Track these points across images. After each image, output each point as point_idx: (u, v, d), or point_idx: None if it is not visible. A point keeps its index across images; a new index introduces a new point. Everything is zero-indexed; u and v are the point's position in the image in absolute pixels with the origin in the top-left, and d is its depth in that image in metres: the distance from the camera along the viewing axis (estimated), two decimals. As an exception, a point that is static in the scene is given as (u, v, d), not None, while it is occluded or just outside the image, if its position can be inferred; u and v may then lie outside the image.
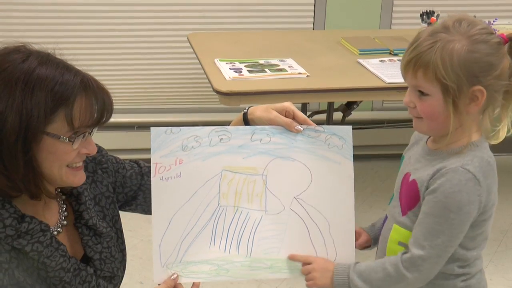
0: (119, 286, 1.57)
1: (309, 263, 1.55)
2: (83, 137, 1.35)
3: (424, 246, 1.47)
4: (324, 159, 1.52)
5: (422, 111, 1.47)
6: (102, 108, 1.36)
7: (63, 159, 1.34)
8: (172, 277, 1.47)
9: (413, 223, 1.53)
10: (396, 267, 1.50)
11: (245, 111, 1.58)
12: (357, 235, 1.67)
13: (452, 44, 1.42)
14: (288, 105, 1.52)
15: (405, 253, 1.51)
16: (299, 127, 1.50)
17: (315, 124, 1.52)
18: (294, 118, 1.52)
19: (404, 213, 1.57)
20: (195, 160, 1.49)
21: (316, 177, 1.52)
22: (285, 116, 1.52)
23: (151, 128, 1.48)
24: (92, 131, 1.38)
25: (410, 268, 1.49)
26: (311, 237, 1.53)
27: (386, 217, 1.66)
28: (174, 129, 1.48)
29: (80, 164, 1.40)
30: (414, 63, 1.44)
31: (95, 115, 1.34)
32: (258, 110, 1.55)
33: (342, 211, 1.54)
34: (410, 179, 1.55)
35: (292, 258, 1.55)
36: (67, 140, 1.31)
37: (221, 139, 1.50)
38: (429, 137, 1.60)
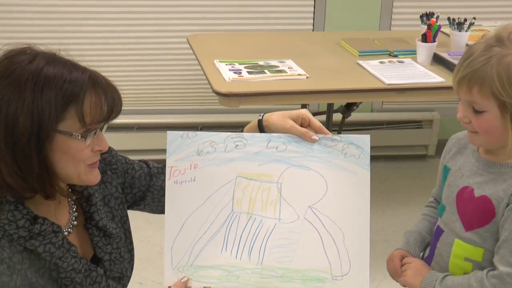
0: (127, 286, 1.58)
1: (409, 262, 1.64)
2: (95, 133, 1.36)
3: None
4: (340, 169, 1.51)
5: (479, 127, 1.45)
6: (112, 103, 1.37)
7: (77, 157, 1.34)
8: (183, 280, 1.47)
9: (483, 239, 1.53)
10: (482, 284, 1.49)
11: (260, 117, 1.57)
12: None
13: (508, 58, 1.39)
14: (304, 112, 1.52)
15: (491, 270, 1.49)
16: (315, 136, 1.49)
17: (330, 133, 1.51)
18: (309, 125, 1.51)
19: (468, 228, 1.55)
20: (210, 165, 1.49)
21: (331, 187, 1.51)
22: (301, 124, 1.51)
23: (168, 132, 1.49)
24: (102, 127, 1.38)
25: (498, 285, 1.47)
26: (325, 248, 1.51)
27: (440, 229, 1.64)
28: (190, 133, 1.49)
29: (96, 160, 1.40)
30: (468, 79, 1.41)
31: (105, 110, 1.35)
32: (273, 116, 1.54)
33: (357, 222, 1.51)
34: (477, 194, 1.53)
35: (393, 260, 1.67)
36: (79, 137, 1.32)
37: (237, 145, 1.50)
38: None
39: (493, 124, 1.43)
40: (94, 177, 1.41)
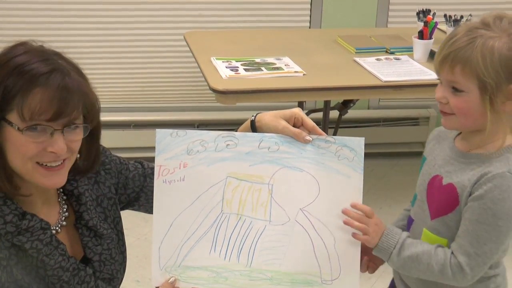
0: (118, 288, 1.57)
1: (366, 216, 1.50)
2: (51, 134, 1.30)
3: (471, 254, 1.46)
4: (333, 172, 1.48)
5: (456, 107, 1.45)
6: (63, 107, 1.29)
7: (21, 151, 1.30)
8: (170, 280, 1.45)
9: (447, 228, 1.52)
10: (444, 268, 1.49)
11: (252, 118, 1.54)
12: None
13: (493, 41, 1.40)
14: (297, 111, 1.48)
15: (452, 256, 1.49)
16: (308, 137, 1.46)
17: (324, 133, 1.48)
18: (302, 125, 1.48)
19: (433, 217, 1.55)
20: (200, 165, 1.47)
21: (323, 189, 1.48)
22: (294, 123, 1.48)
23: (156, 130, 1.47)
24: (63, 130, 1.31)
25: (457, 274, 1.48)
26: (315, 251, 1.48)
27: (411, 219, 1.64)
28: (180, 132, 1.47)
29: (56, 164, 1.34)
30: (452, 58, 1.42)
31: (52, 111, 1.28)
32: (266, 116, 1.51)
33: (349, 226, 1.49)
34: (444, 182, 1.53)
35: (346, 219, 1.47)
36: (16, 129, 1.28)
37: (228, 145, 1.47)
38: (456, 137, 1.57)
39: (471, 105, 1.43)
40: (48, 180, 1.34)
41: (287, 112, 1.49)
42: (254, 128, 1.53)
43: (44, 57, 1.32)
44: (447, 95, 1.46)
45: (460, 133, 1.57)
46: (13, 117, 1.28)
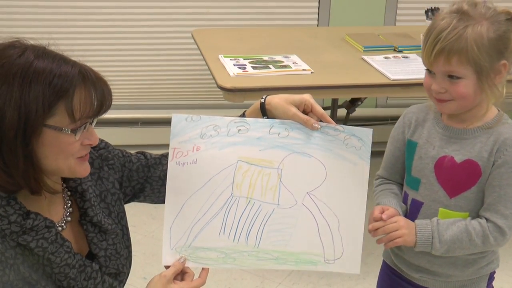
0: (124, 283, 1.58)
1: (394, 222, 1.60)
2: (85, 128, 1.34)
3: (508, 215, 1.58)
4: (340, 158, 1.53)
5: (457, 93, 1.54)
6: (102, 98, 1.35)
7: (67, 151, 1.33)
8: (180, 260, 1.50)
9: (469, 201, 1.61)
10: (485, 239, 1.59)
11: (262, 100, 1.57)
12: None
13: (478, 27, 1.51)
14: (307, 98, 1.52)
15: (489, 223, 1.59)
16: (317, 124, 1.50)
17: (332, 120, 1.52)
18: (312, 111, 1.52)
19: (453, 195, 1.62)
20: (212, 149, 1.51)
21: (330, 175, 1.53)
22: (304, 109, 1.52)
23: (173, 114, 1.52)
24: (93, 121, 1.37)
25: (498, 238, 1.59)
26: (320, 232, 1.53)
27: (417, 202, 1.68)
28: (195, 117, 1.52)
29: (85, 154, 1.39)
30: (448, 51, 1.51)
31: (95, 105, 1.33)
32: (275, 99, 1.55)
33: (353, 210, 1.54)
34: (459, 160, 1.60)
35: (372, 229, 1.59)
36: (69, 132, 1.31)
37: (239, 130, 1.52)
38: (440, 116, 1.66)
39: (470, 89, 1.54)
40: (84, 169, 1.40)
41: (297, 97, 1.52)
42: (263, 110, 1.56)
43: (58, 57, 1.33)
44: (445, 85, 1.55)
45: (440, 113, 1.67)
46: (56, 121, 1.29)
